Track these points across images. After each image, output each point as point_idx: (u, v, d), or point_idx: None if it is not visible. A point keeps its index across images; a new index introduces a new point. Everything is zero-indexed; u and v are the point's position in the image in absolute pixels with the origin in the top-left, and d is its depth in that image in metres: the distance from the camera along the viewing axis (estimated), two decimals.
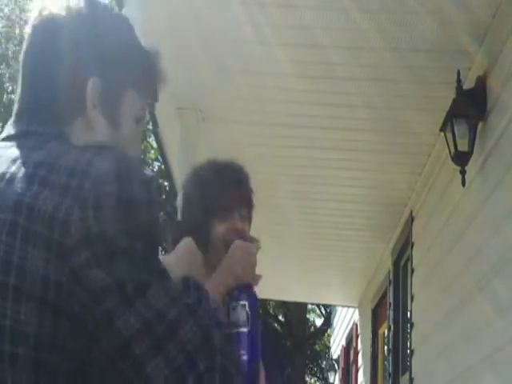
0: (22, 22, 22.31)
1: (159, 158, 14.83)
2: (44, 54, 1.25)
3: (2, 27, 22.30)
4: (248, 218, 2.15)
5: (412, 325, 5.97)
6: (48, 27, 1.26)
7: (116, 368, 1.05)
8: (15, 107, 1.28)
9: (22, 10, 22.48)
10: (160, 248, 1.15)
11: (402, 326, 6.70)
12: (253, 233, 2.19)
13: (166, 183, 18.62)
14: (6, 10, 22.54)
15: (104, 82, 1.26)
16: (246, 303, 1.79)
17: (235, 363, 1.14)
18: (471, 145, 4.01)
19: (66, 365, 1.05)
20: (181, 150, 4.88)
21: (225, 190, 2.13)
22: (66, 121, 1.24)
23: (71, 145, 1.21)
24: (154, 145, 15.15)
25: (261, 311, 20.58)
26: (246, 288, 1.84)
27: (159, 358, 1.04)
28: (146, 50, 1.37)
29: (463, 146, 4.02)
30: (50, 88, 1.24)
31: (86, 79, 1.25)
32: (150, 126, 6.43)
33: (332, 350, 14.77)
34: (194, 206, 2.17)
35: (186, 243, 1.90)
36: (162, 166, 13.02)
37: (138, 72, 1.33)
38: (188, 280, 1.18)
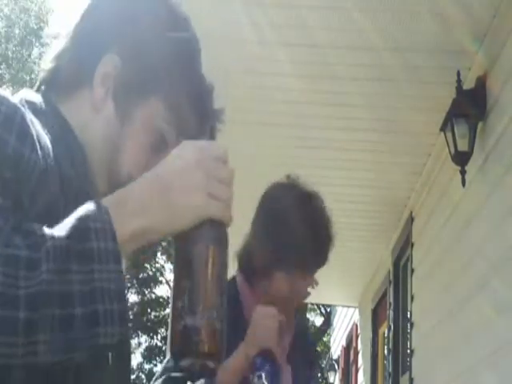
0: (21, 22, 22.32)
1: None
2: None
3: (2, 27, 22.30)
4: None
5: (412, 325, 5.96)
6: None
7: None
8: None
9: (22, 10, 22.48)
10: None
11: (402, 326, 6.70)
12: None
13: None
14: (5, 10, 22.54)
15: (126, 66, 1.10)
16: (263, 374, 1.83)
17: None
18: (471, 145, 4.01)
19: None
20: None
21: (305, 247, 2.00)
22: (68, 86, 1.12)
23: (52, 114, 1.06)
24: None
25: None
26: (266, 356, 1.85)
27: None
28: (198, 61, 1.17)
29: (463, 146, 4.02)
30: (65, 47, 1.13)
31: (103, 50, 1.11)
32: None
33: (332, 350, 14.77)
34: (263, 244, 2.02)
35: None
36: None
37: (178, 79, 1.13)
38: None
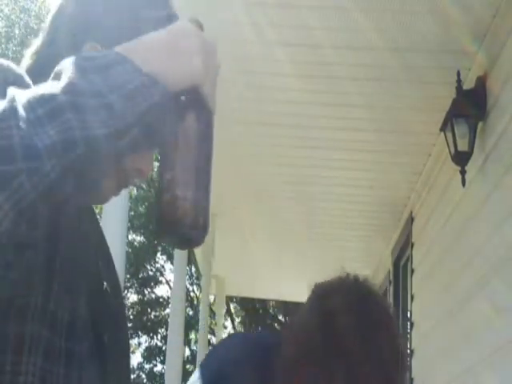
0: (21, 22, 22.33)
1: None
2: None
3: (2, 27, 22.29)
4: None
5: (412, 325, 5.97)
6: None
7: None
8: None
9: (22, 10, 22.49)
10: None
11: (402, 326, 6.70)
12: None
13: None
14: (6, 10, 22.54)
15: None
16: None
17: None
18: (471, 145, 4.01)
19: None
20: None
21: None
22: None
23: None
24: None
25: (261, 311, 20.58)
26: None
27: None
28: None
29: (463, 146, 4.02)
30: None
31: (83, 39, 1.07)
32: None
33: None
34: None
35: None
36: None
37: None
38: None
